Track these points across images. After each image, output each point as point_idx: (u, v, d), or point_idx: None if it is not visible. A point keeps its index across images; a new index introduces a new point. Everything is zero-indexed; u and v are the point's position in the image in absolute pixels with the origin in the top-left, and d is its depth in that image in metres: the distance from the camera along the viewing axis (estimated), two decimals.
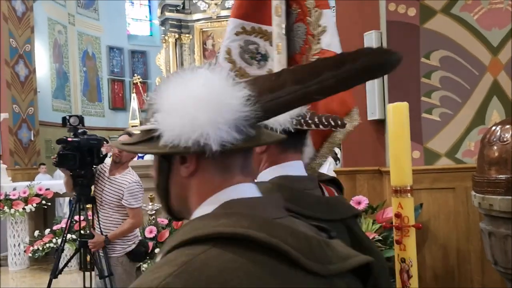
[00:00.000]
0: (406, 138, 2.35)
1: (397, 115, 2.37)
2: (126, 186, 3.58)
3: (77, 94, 15.75)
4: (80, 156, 3.56)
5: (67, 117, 3.79)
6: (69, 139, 3.60)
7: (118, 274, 3.62)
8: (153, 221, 5.39)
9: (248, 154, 0.84)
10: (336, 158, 7.29)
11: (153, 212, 5.48)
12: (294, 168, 1.36)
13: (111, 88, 17.13)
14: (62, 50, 15.21)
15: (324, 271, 0.75)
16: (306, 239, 0.76)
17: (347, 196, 3.61)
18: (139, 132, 0.87)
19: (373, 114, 3.59)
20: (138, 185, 3.64)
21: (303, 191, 1.32)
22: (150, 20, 18.73)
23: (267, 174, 1.33)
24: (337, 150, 9.10)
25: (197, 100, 0.75)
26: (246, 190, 0.82)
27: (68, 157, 3.54)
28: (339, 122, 1.48)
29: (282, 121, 1.26)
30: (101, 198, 3.66)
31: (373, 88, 3.54)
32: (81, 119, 3.78)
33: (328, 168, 5.88)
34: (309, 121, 1.39)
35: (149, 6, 18.82)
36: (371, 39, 3.61)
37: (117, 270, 3.62)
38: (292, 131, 1.30)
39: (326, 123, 1.44)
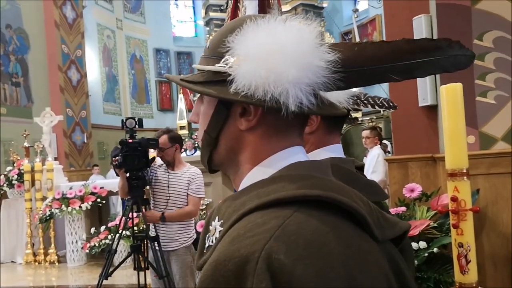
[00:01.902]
0: (460, 119, 2.27)
1: (451, 96, 2.30)
2: (195, 176, 3.70)
3: (126, 97, 16.18)
4: (141, 157, 3.63)
5: (124, 120, 3.84)
6: (130, 140, 3.66)
7: (177, 268, 3.68)
8: (204, 216, 5.46)
9: (305, 122, 0.82)
10: (386, 151, 7.15)
11: (204, 206, 5.55)
12: (339, 150, 1.34)
13: (158, 89, 17.50)
14: (111, 54, 15.67)
15: (381, 237, 0.74)
16: (368, 204, 0.75)
17: (400, 183, 3.53)
18: (201, 71, 0.80)
19: (424, 100, 3.49)
20: (202, 178, 3.71)
21: (356, 173, 1.30)
22: (195, 21, 19.01)
23: (315, 156, 1.31)
24: (387, 142, 8.96)
25: (287, 54, 0.70)
26: (302, 153, 0.80)
27: (132, 158, 3.60)
28: (391, 104, 1.46)
29: (341, 99, 1.23)
30: (165, 196, 3.70)
31: None
32: (138, 121, 3.82)
33: (377, 160, 5.76)
34: (365, 101, 1.37)
35: (194, 8, 19.10)
36: (421, 24, 3.50)
37: (177, 263, 3.67)
38: (350, 110, 1.28)
39: (380, 104, 1.42)
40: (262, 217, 0.66)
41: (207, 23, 15.56)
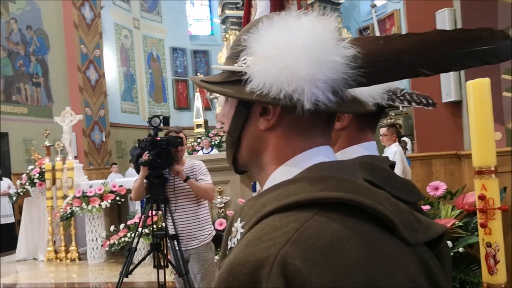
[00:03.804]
0: (488, 115, 2.22)
1: (478, 91, 2.24)
2: (197, 167, 3.70)
3: (144, 96, 16.28)
4: (169, 155, 3.62)
5: (150, 118, 3.81)
6: (158, 138, 3.67)
7: (199, 267, 3.68)
8: (222, 214, 5.46)
9: (332, 120, 0.78)
10: (404, 147, 7.07)
11: (222, 205, 5.54)
12: (373, 148, 1.30)
13: (175, 88, 17.58)
14: (129, 54, 15.78)
15: (412, 240, 0.70)
16: (398, 205, 0.71)
17: (423, 181, 3.47)
18: (221, 72, 0.79)
19: (448, 95, 3.42)
20: (204, 166, 3.76)
21: (392, 172, 1.26)
22: (211, 20, 19.04)
23: (349, 153, 1.27)
24: (407, 139, 8.86)
25: (299, 50, 0.68)
26: (329, 153, 0.77)
27: (162, 156, 3.60)
28: (430, 101, 1.41)
29: (375, 95, 1.19)
30: (174, 193, 3.72)
31: None
32: (164, 119, 3.80)
33: (393, 158, 5.69)
34: (401, 98, 1.32)
35: (210, 6, 19.13)
36: (444, 18, 3.44)
37: (199, 261, 3.67)
38: (385, 106, 1.24)
39: (418, 100, 1.37)
40: (280, 220, 0.64)
41: (223, 21, 15.56)
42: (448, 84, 3.42)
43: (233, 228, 0.76)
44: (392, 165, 1.46)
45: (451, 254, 2.79)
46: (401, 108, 1.44)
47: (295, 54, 0.68)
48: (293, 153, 0.75)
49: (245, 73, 0.72)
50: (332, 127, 0.79)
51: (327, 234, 0.61)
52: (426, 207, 3.11)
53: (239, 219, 0.74)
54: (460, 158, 3.43)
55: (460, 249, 2.81)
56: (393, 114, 11.91)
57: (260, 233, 0.63)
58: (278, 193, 0.69)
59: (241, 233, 0.71)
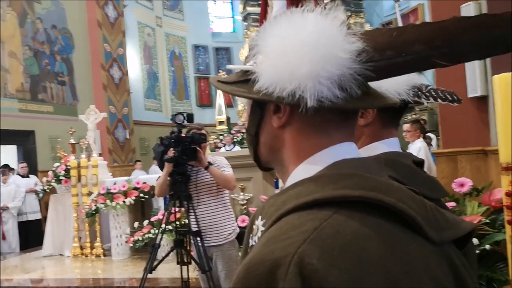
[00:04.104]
0: None
1: (504, 86, 2.19)
2: (218, 161, 3.75)
3: (167, 93, 16.41)
4: (193, 152, 3.65)
5: (174, 115, 3.83)
6: (183, 135, 3.69)
7: (223, 264, 3.69)
8: (245, 211, 5.47)
9: (351, 116, 0.76)
10: (429, 143, 6.96)
11: (245, 201, 5.55)
12: (396, 144, 1.28)
13: (197, 85, 17.67)
14: (151, 52, 15.92)
15: (438, 239, 0.68)
16: (423, 204, 0.70)
17: (449, 178, 3.42)
18: (238, 71, 0.80)
19: (474, 90, 3.36)
20: (225, 159, 3.81)
21: (415, 168, 1.24)
22: (233, 17, 19.06)
23: (371, 150, 1.26)
24: (432, 135, 8.73)
25: (302, 47, 0.67)
26: (351, 150, 0.75)
27: (186, 152, 3.62)
28: (455, 97, 1.39)
29: (401, 91, 1.17)
30: (196, 190, 3.74)
31: (473, 62, 3.31)
32: (188, 116, 3.82)
33: (417, 154, 5.61)
34: (427, 94, 1.30)
35: (231, 3, 19.15)
36: (469, 12, 3.38)
37: (223, 259, 3.68)
38: (411, 102, 1.22)
39: (443, 96, 1.35)
40: (299, 218, 0.63)
41: (245, 18, 15.55)
42: (473, 79, 3.35)
43: (254, 226, 0.76)
44: (420, 162, 1.44)
45: (478, 251, 2.74)
46: (425, 104, 1.41)
47: (299, 51, 0.67)
48: (312, 150, 0.74)
49: (254, 72, 0.72)
50: (354, 123, 0.78)
51: (346, 233, 0.60)
52: (451, 204, 3.07)
53: (260, 217, 0.74)
54: (487, 154, 3.36)
55: (487, 247, 2.76)
56: (418, 109, 11.74)
57: (279, 232, 0.63)
58: (298, 191, 0.69)
59: (261, 231, 0.71)
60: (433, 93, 1.29)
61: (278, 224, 0.65)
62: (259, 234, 0.72)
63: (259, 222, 0.74)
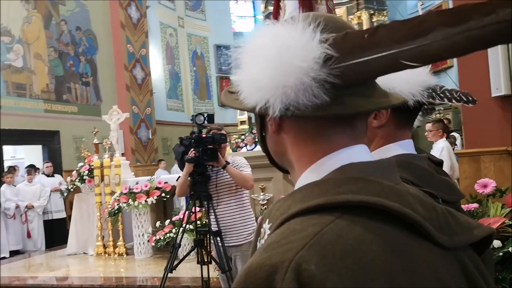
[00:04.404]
0: None
1: None
2: (237, 161, 3.77)
3: (189, 93, 16.52)
4: (214, 152, 3.66)
5: (194, 115, 3.87)
6: (203, 135, 3.71)
7: (242, 265, 3.70)
8: (265, 211, 5.46)
9: (352, 120, 0.74)
10: (453, 143, 6.85)
11: (265, 202, 5.55)
12: (410, 146, 1.27)
13: (219, 85, 17.73)
14: (174, 52, 16.05)
15: (449, 243, 0.67)
16: (434, 208, 0.68)
17: (471, 178, 3.35)
18: None
19: (498, 90, 3.29)
20: (244, 159, 3.83)
21: (430, 171, 1.22)
22: (254, 16, 19.08)
23: (385, 152, 1.24)
24: (456, 135, 8.58)
25: (264, 60, 0.68)
26: (360, 153, 0.74)
27: (208, 152, 3.63)
28: (470, 98, 1.37)
29: (415, 92, 1.16)
30: (216, 189, 3.76)
31: (497, 60, 3.24)
32: (209, 117, 3.83)
33: (441, 154, 5.53)
34: (441, 95, 1.29)
35: (253, 3, 19.17)
36: None
37: (243, 260, 3.69)
38: (425, 103, 1.21)
39: (458, 97, 1.33)
40: (301, 223, 0.63)
41: (266, 18, 15.56)
42: (497, 78, 3.28)
43: (261, 229, 0.77)
44: (439, 162, 1.41)
45: (501, 254, 2.69)
46: (450, 104, 1.39)
47: (260, 63, 0.68)
48: (314, 156, 0.74)
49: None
50: (361, 125, 0.76)
51: (348, 238, 0.60)
52: (474, 205, 3.01)
53: (267, 220, 0.74)
54: (511, 155, 3.29)
55: (510, 249, 2.70)
56: (442, 108, 11.56)
57: (280, 236, 0.63)
58: (303, 195, 0.68)
59: (268, 234, 0.72)
60: (447, 94, 1.27)
61: (281, 228, 0.66)
62: (266, 237, 0.72)
63: (266, 226, 0.74)
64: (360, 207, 0.64)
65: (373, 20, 14.45)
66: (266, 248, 0.62)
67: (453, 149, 6.64)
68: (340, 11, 14.87)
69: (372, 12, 14.58)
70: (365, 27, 13.33)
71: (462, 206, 2.88)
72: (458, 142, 8.43)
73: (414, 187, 0.81)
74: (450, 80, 8.07)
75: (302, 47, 0.67)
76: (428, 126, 5.91)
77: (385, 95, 0.76)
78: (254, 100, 0.70)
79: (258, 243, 0.78)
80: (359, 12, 14.56)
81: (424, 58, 0.59)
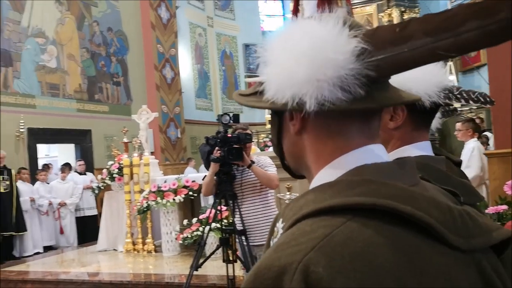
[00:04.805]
0: None
1: None
2: (262, 161, 3.79)
3: (217, 93, 16.61)
4: (239, 152, 3.68)
5: (220, 115, 3.89)
6: (229, 135, 3.73)
7: None
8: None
9: (370, 118, 0.75)
10: (485, 143, 6.69)
11: (290, 201, 5.54)
12: (427, 148, 1.25)
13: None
14: (203, 52, 16.16)
15: (466, 246, 0.66)
16: (449, 210, 0.67)
17: (501, 180, 3.27)
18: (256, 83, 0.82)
19: None
20: (269, 159, 3.83)
21: (447, 173, 1.20)
22: (283, 15, 19.04)
23: (401, 153, 1.23)
24: (489, 134, 8.38)
25: (298, 53, 0.68)
26: (376, 153, 0.74)
27: (234, 152, 3.66)
28: (488, 99, 1.34)
29: (431, 93, 1.15)
30: (241, 189, 3.78)
31: None
32: (234, 116, 3.84)
33: (471, 154, 5.39)
34: (458, 96, 1.27)
35: (282, 1, 19.13)
36: None
37: None
38: (442, 104, 1.19)
39: (475, 98, 1.31)
40: (311, 225, 0.64)
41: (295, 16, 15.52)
42: None
43: (275, 229, 0.77)
44: (459, 162, 1.39)
45: None
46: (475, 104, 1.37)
47: (294, 57, 0.68)
48: (332, 155, 0.74)
49: (263, 82, 0.74)
50: (376, 125, 0.76)
51: (358, 241, 0.60)
52: (503, 207, 2.93)
53: (281, 219, 0.75)
54: None
55: None
56: (475, 107, 11.30)
57: (290, 237, 0.63)
58: (316, 196, 0.69)
59: (280, 234, 0.72)
60: (464, 95, 1.25)
61: (292, 229, 0.66)
62: (278, 236, 0.73)
63: (279, 225, 0.74)
64: (372, 210, 0.63)
65: (404, 17, 14.20)
66: (276, 249, 0.63)
67: (486, 149, 6.48)
68: (371, 9, 14.72)
69: (403, 9, 14.34)
70: None
71: (491, 208, 2.82)
72: (491, 142, 8.23)
73: (435, 185, 0.81)
74: (481, 79, 7.88)
75: (336, 41, 0.67)
76: (458, 125, 5.79)
77: (398, 91, 0.77)
78: (286, 97, 0.69)
79: (271, 242, 0.78)
80: (389, 9, 14.34)
81: (459, 48, 0.60)
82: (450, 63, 12.00)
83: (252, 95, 0.79)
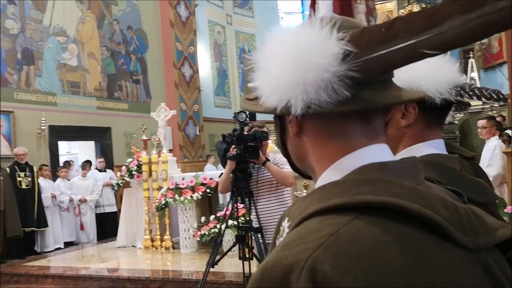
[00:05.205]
0: None
1: None
2: (278, 158, 3.77)
3: (236, 90, 16.65)
4: (255, 150, 3.68)
5: (236, 113, 3.90)
6: (245, 132, 3.75)
7: None
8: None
9: (370, 118, 0.74)
10: (507, 141, 6.56)
11: None
12: (441, 146, 1.23)
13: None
14: (221, 49, 16.22)
15: (471, 244, 0.66)
16: (456, 209, 0.67)
17: None
18: None
19: None
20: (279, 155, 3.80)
21: (459, 171, 1.19)
22: (302, 12, 18.97)
23: (414, 151, 1.22)
24: (511, 132, 8.22)
25: (282, 58, 0.69)
26: (379, 153, 0.74)
27: (250, 150, 3.67)
28: (501, 96, 1.32)
29: (442, 90, 1.14)
30: (257, 186, 3.78)
31: None
32: (251, 114, 3.84)
33: (493, 152, 5.31)
34: (470, 93, 1.25)
35: None
36: None
37: None
38: (454, 102, 1.18)
39: (488, 95, 1.29)
40: (318, 223, 0.64)
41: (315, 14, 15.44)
42: None
43: (281, 227, 0.77)
44: (471, 157, 1.37)
45: None
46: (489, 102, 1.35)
47: (279, 61, 0.69)
48: (334, 156, 0.74)
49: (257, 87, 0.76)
50: (378, 125, 0.76)
51: (365, 240, 0.60)
52: None
53: (286, 218, 0.75)
54: None
55: None
56: (497, 105, 11.11)
57: (297, 236, 0.63)
58: (322, 195, 0.69)
59: (287, 232, 0.72)
60: (477, 92, 1.24)
61: (298, 228, 0.66)
62: (284, 235, 0.73)
63: (285, 224, 0.75)
64: (378, 208, 0.63)
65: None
66: (283, 247, 0.63)
67: (508, 147, 6.37)
68: (390, 5, 14.56)
69: (424, 5, 14.16)
70: None
71: (509, 207, 2.77)
72: None
73: (439, 185, 0.80)
74: (503, 76, 7.74)
75: (320, 45, 0.67)
76: (481, 123, 5.70)
77: (399, 90, 0.77)
78: (275, 101, 0.70)
79: (277, 240, 0.79)
80: (410, 6, 14.15)
81: (442, 46, 0.59)
82: (471, 60, 11.82)
83: (255, 99, 0.80)
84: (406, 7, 14.25)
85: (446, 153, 1.24)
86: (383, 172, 0.70)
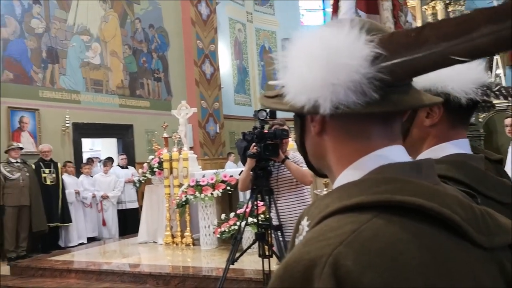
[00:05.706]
0: None
1: None
2: (298, 157, 3.78)
3: (256, 88, 16.65)
4: (276, 148, 3.70)
5: (256, 111, 3.91)
6: (265, 130, 3.76)
7: None
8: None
9: (391, 120, 0.76)
10: None
11: None
12: (465, 146, 1.23)
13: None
14: (242, 47, 16.24)
15: (487, 244, 0.67)
16: (471, 208, 0.69)
17: None
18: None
19: None
20: None
21: (484, 171, 1.18)
22: (323, 9, 18.86)
23: (439, 151, 1.21)
24: None
25: (311, 58, 0.70)
26: (396, 154, 0.75)
27: (270, 148, 3.68)
28: None
29: (468, 90, 1.14)
30: (277, 184, 3.80)
31: None
32: (271, 112, 3.85)
33: None
34: (496, 92, 1.24)
35: None
36: None
37: None
38: (479, 101, 1.18)
39: None
40: (338, 221, 0.65)
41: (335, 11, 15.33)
42: None
43: (300, 226, 0.79)
44: (499, 160, 1.36)
45: None
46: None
47: (309, 61, 0.70)
48: (354, 156, 0.76)
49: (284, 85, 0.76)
50: (397, 126, 0.78)
51: (385, 237, 0.61)
52: None
53: (306, 217, 0.77)
54: None
55: None
56: None
57: (318, 233, 0.65)
58: (341, 194, 0.70)
59: (306, 231, 0.74)
60: (503, 91, 1.23)
61: (319, 225, 0.68)
62: (304, 234, 0.74)
63: (304, 223, 0.76)
64: (397, 207, 0.65)
65: (449, 10, 13.77)
66: (305, 244, 0.64)
67: None
68: (413, 2, 14.36)
69: (447, 1, 13.93)
70: (440, 17, 12.80)
71: None
72: None
73: (453, 187, 0.81)
74: None
75: (350, 46, 0.69)
76: (508, 121, 5.63)
77: (420, 93, 0.78)
78: (302, 100, 0.71)
79: (296, 239, 0.80)
80: (433, 2, 13.96)
81: (473, 53, 0.60)
82: (497, 57, 11.61)
83: (276, 97, 0.81)
84: (429, 4, 14.04)
85: (471, 153, 1.23)
86: (401, 172, 0.71)
